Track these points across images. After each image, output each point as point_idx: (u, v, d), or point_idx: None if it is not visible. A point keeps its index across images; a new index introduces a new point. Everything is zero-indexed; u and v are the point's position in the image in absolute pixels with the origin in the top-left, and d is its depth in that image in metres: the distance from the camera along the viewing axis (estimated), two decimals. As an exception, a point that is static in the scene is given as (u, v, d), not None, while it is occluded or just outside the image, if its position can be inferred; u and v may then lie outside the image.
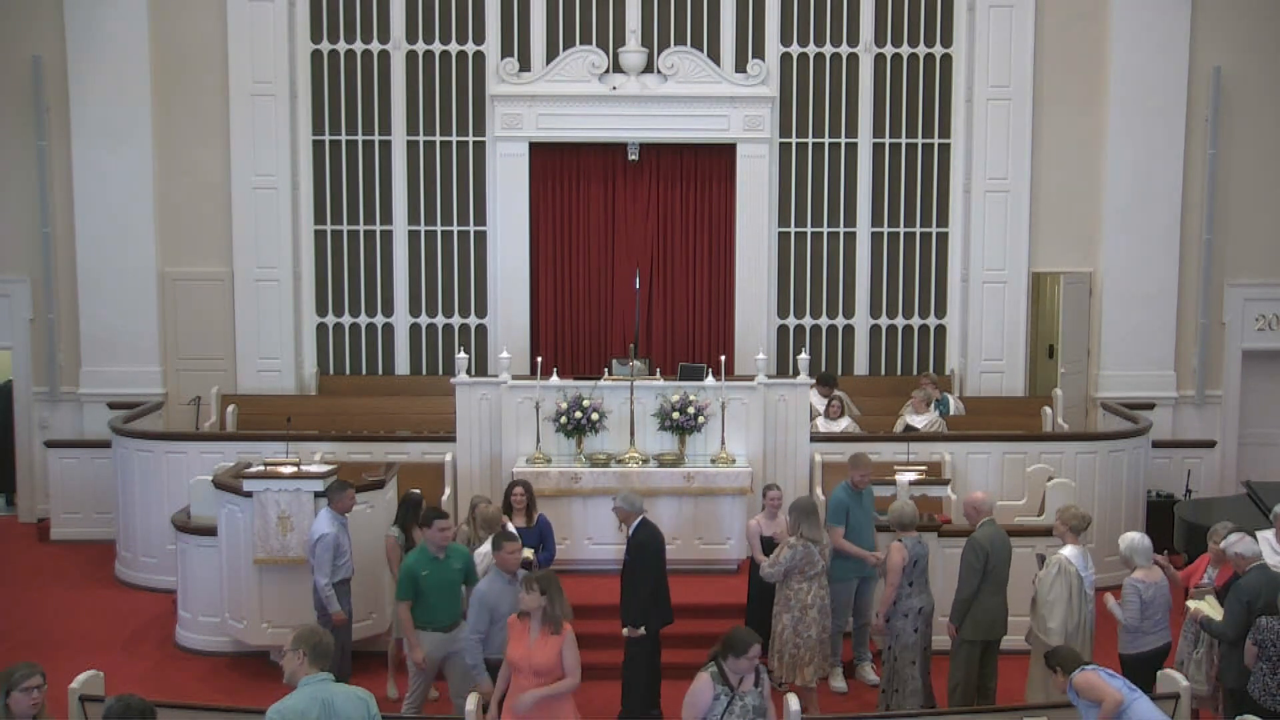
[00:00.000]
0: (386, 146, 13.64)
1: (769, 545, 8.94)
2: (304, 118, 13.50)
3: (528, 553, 8.12)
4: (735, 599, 9.70)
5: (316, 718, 5.48)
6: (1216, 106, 13.34)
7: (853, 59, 13.64)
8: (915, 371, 13.72)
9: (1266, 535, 8.40)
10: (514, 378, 11.13)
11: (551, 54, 13.45)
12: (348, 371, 13.86)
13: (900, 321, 13.93)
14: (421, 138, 13.64)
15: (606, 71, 13.40)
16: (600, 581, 9.68)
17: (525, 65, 13.47)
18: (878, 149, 13.72)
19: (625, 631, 8.43)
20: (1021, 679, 8.52)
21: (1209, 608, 7.87)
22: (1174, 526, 10.88)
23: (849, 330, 13.94)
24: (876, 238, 13.83)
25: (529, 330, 13.65)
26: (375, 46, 13.55)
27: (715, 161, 13.71)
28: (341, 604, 8.52)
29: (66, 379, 13.39)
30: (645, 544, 8.44)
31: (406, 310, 13.83)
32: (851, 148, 13.72)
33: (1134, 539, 7.98)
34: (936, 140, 13.69)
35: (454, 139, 13.66)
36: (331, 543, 8.45)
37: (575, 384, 11.00)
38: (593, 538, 10.53)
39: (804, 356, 11.39)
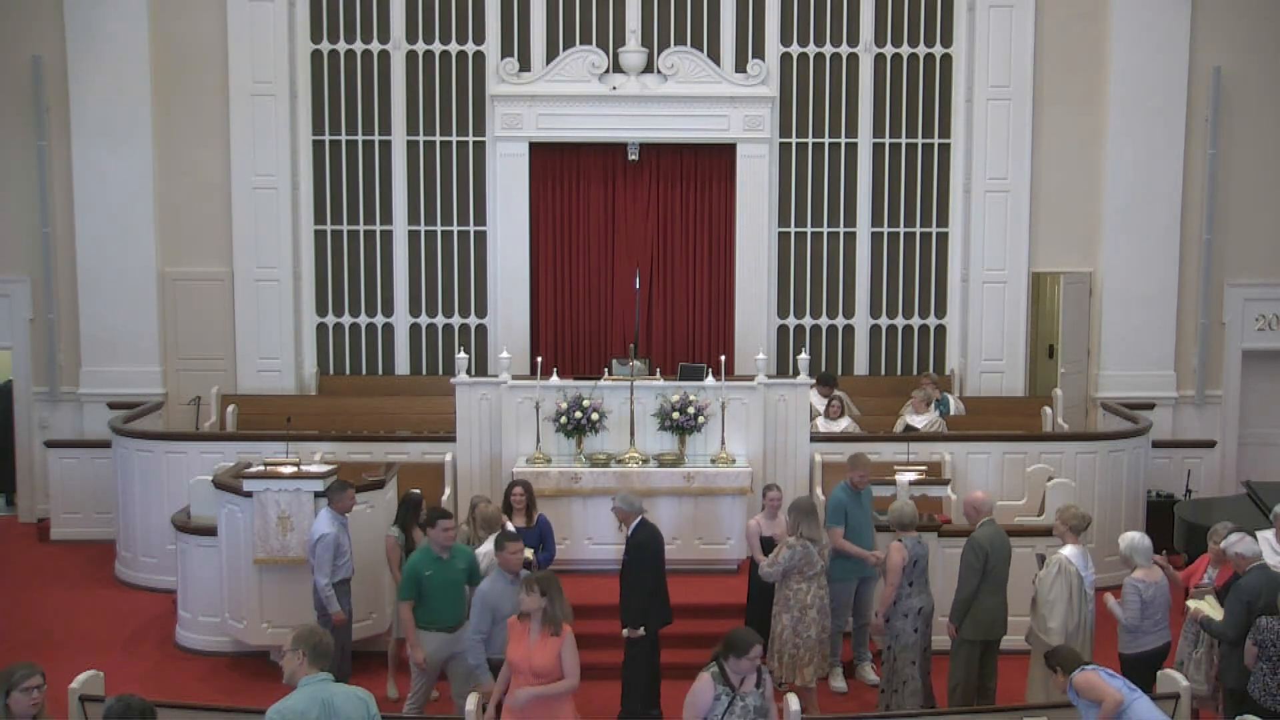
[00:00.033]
0: (386, 146, 13.63)
1: (769, 545, 8.93)
2: (304, 118, 13.50)
3: (528, 553, 8.11)
4: (735, 599, 9.69)
5: (316, 718, 5.47)
6: (1216, 106, 13.34)
7: (853, 59, 13.64)
8: (915, 371, 13.72)
9: (1266, 535, 8.40)
10: (514, 378, 11.13)
11: (551, 54, 13.45)
12: (348, 371, 13.86)
13: (900, 321, 13.93)
14: (421, 138, 13.64)
15: (606, 71, 13.40)
16: (600, 582, 9.67)
17: (525, 65, 13.47)
18: (878, 149, 13.71)
19: (625, 632, 8.42)
20: (1021, 679, 8.52)
21: (1209, 608, 7.88)
22: (1174, 526, 10.87)
23: (849, 330, 13.94)
24: (876, 238, 13.83)
25: (529, 330, 13.65)
26: (375, 46, 13.54)
27: (715, 161, 13.70)
28: (341, 604, 8.52)
29: (66, 379, 13.39)
30: (645, 544, 8.43)
31: (406, 310, 13.82)
32: (851, 148, 13.72)
33: (1134, 539, 7.98)
34: (936, 140, 13.69)
35: (454, 139, 13.65)
36: (331, 543, 8.45)
37: (575, 384, 11.00)
38: (592, 538, 10.53)
39: (804, 356, 11.39)
